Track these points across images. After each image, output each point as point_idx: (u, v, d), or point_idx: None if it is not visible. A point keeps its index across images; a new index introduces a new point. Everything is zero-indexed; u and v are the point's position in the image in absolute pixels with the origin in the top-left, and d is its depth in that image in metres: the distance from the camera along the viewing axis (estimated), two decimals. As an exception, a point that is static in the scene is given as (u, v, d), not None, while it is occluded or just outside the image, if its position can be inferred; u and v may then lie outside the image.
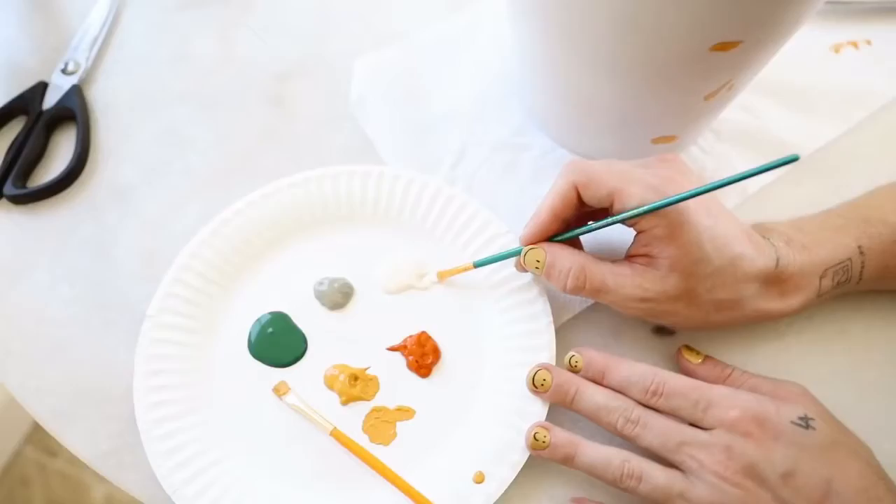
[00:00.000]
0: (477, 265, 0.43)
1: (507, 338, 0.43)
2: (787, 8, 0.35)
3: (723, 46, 0.36)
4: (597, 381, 0.40)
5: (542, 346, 0.42)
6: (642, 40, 0.37)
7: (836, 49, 0.56)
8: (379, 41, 0.55)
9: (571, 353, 0.41)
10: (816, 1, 0.36)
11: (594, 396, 0.39)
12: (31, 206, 0.49)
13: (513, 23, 0.44)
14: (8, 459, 1.16)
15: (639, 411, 0.38)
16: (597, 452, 0.38)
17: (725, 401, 0.37)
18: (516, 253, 0.41)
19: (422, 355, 0.43)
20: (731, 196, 0.49)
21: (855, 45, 0.57)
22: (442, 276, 0.44)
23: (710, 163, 0.50)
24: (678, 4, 0.34)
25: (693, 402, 0.37)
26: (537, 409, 0.40)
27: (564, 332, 0.44)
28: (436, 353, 0.43)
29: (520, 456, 0.39)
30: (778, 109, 0.53)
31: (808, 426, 0.36)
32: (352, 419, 0.42)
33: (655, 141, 0.47)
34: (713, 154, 0.51)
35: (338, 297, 0.45)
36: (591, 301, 0.45)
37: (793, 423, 0.36)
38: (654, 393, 0.38)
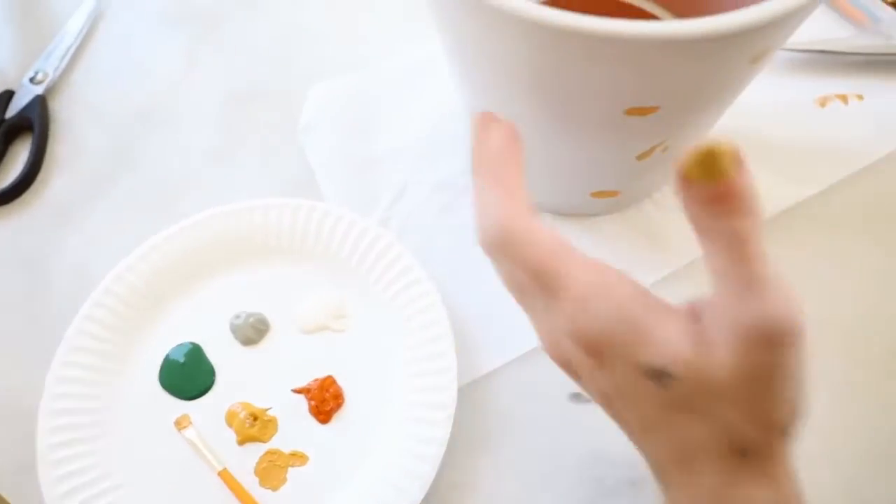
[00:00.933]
0: None
1: (411, 391, 0.42)
2: (700, 78, 0.32)
3: (639, 111, 0.34)
4: None
5: (443, 405, 0.40)
6: (557, 99, 0.35)
7: (822, 102, 0.52)
8: (342, 69, 0.54)
9: None
10: (731, 74, 0.33)
11: None
12: (-20, 213, 0.50)
13: (448, 63, 0.42)
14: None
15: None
16: None
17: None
18: None
19: (322, 400, 0.42)
20: (680, 258, 0.46)
21: (844, 98, 0.53)
22: None
23: (659, 218, 0.48)
24: (579, 69, 0.32)
25: None
26: (427, 471, 0.39)
27: (470, 392, 0.43)
28: (337, 399, 0.42)
29: (402, 519, 0.38)
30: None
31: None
32: (246, 459, 0.41)
33: (595, 195, 0.45)
34: (666, 209, 0.48)
35: (250, 332, 0.44)
36: (504, 360, 0.43)
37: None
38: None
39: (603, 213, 0.47)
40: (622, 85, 0.32)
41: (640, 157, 0.40)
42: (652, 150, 0.39)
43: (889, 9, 0.55)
